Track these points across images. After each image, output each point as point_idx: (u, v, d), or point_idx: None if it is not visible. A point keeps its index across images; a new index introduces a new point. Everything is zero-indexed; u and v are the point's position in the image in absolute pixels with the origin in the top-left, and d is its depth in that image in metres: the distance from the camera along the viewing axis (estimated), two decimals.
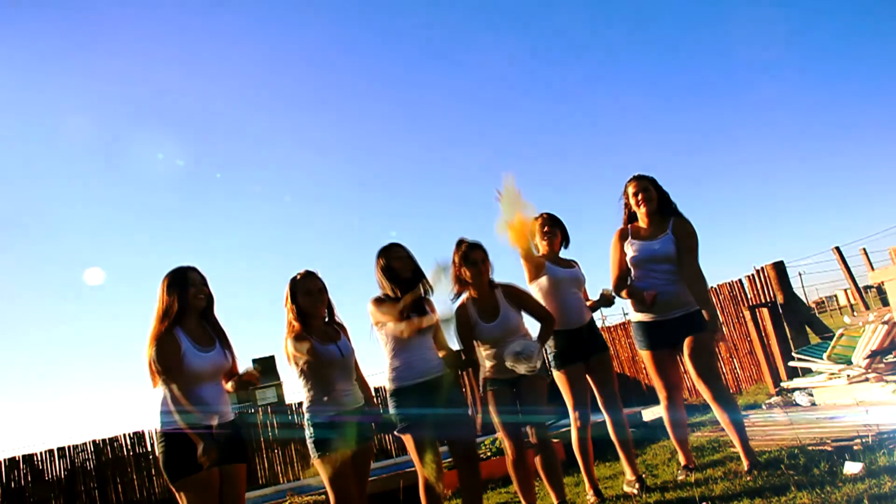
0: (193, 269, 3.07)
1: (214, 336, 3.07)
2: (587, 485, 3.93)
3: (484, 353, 3.71)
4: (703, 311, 3.72)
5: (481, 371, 3.72)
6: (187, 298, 2.97)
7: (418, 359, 3.43)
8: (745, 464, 3.60)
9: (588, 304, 4.08)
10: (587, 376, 3.95)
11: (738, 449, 3.67)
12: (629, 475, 3.92)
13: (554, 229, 4.08)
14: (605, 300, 4.02)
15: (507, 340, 3.59)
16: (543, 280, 3.93)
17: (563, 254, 4.17)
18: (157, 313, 2.95)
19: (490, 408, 3.64)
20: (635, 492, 3.79)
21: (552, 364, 3.96)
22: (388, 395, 3.48)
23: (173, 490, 2.79)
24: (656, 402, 8.73)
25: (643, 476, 4.00)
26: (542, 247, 4.08)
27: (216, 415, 2.91)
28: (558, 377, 3.91)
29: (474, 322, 3.65)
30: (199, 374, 2.89)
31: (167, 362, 2.83)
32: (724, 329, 8.68)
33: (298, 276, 3.37)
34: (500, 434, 3.64)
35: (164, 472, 2.80)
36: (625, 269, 3.94)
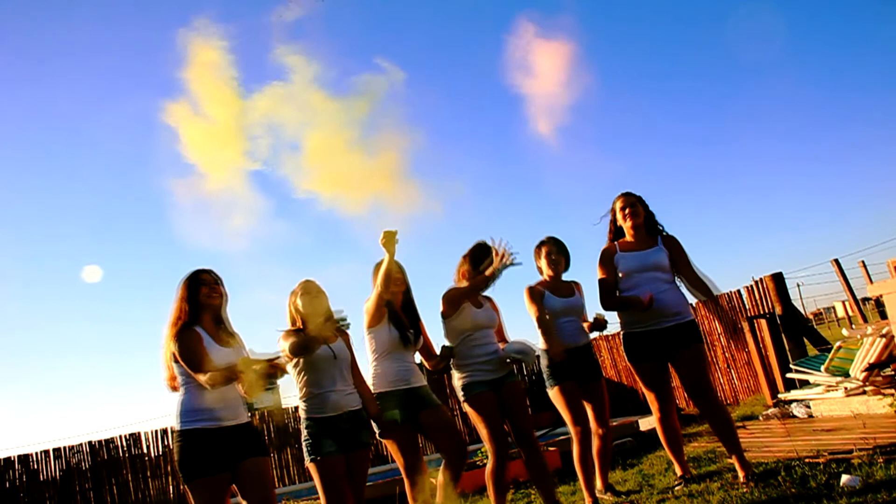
0: (206, 271, 3.15)
1: (229, 336, 3.12)
2: (586, 495, 3.97)
3: (463, 355, 3.73)
4: (707, 311, 3.84)
5: (457, 376, 3.77)
6: (199, 299, 3.04)
7: (402, 367, 3.59)
8: (740, 475, 3.63)
9: (585, 324, 4.15)
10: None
11: (734, 462, 3.71)
12: (599, 484, 4.11)
13: (559, 256, 4.16)
14: (599, 324, 4.10)
15: (486, 331, 3.78)
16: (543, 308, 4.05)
17: (566, 275, 4.25)
18: (173, 315, 3.02)
19: (474, 413, 3.66)
20: (609, 498, 4.03)
21: (546, 383, 4.06)
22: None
23: (186, 490, 2.84)
24: None
25: (615, 486, 4.23)
26: (546, 272, 4.16)
27: (226, 417, 2.91)
28: (554, 394, 4.00)
29: (465, 305, 3.76)
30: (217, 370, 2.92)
31: (191, 353, 2.87)
32: (721, 340, 8.69)
33: (300, 285, 3.53)
34: (485, 440, 3.65)
35: (178, 471, 2.85)
36: (612, 285, 3.98)
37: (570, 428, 3.97)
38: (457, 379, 3.77)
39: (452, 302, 3.74)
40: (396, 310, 3.65)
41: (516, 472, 5.81)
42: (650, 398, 3.96)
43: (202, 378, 2.79)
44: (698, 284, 3.93)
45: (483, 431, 3.63)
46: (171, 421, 2.94)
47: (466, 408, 3.71)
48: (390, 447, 3.59)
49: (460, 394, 3.72)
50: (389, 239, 3.36)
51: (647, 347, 3.86)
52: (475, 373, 3.70)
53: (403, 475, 3.50)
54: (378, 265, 3.65)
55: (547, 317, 4.03)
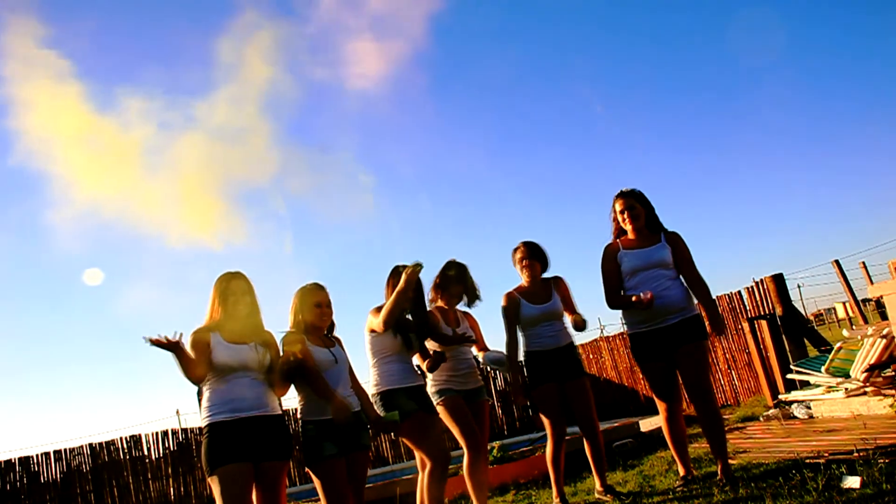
0: (238, 278, 3.18)
1: (253, 336, 3.17)
2: (554, 493, 4.16)
3: (442, 366, 3.90)
4: (704, 313, 3.95)
5: (432, 382, 3.94)
6: (228, 307, 3.11)
7: (407, 367, 3.75)
8: (719, 474, 3.74)
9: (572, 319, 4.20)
10: (568, 396, 4.11)
11: (718, 466, 3.77)
12: (598, 486, 4.14)
13: (532, 261, 4.20)
14: (577, 327, 4.15)
15: (461, 348, 3.99)
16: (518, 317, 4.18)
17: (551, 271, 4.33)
18: (207, 314, 3.14)
19: (446, 414, 3.82)
20: (610, 499, 4.03)
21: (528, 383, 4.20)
22: (378, 397, 3.66)
23: (209, 482, 2.88)
24: (654, 412, 8.65)
25: (615, 487, 4.23)
26: (523, 278, 4.24)
27: (248, 408, 2.96)
28: (534, 396, 4.14)
29: (442, 325, 4.01)
30: (227, 366, 2.99)
31: (192, 351, 3.00)
32: (722, 341, 8.69)
33: (311, 287, 3.50)
34: (459, 437, 3.79)
35: (203, 463, 2.91)
36: (616, 283, 3.99)
37: (546, 428, 4.13)
38: (431, 385, 3.95)
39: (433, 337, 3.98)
40: (402, 316, 3.74)
41: (517, 473, 5.81)
42: (657, 398, 3.96)
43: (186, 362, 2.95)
44: (697, 284, 3.91)
45: (455, 429, 3.80)
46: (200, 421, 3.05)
47: (439, 409, 3.86)
48: (408, 441, 3.70)
49: (434, 398, 3.90)
50: (411, 273, 3.45)
51: (654, 347, 3.86)
52: (449, 381, 3.92)
53: (428, 463, 3.56)
54: (394, 272, 3.78)
55: (518, 331, 4.20)
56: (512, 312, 4.17)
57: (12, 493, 9.86)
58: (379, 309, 3.68)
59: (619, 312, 4.14)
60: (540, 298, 4.15)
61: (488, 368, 4.11)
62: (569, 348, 4.16)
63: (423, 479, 3.60)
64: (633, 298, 3.79)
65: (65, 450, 10.28)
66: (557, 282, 4.26)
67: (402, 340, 3.70)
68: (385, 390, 3.63)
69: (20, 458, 10.04)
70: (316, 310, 3.44)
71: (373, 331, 3.69)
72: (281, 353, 3.30)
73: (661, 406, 3.95)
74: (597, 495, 4.13)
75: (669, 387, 3.91)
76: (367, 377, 3.78)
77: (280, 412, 3.14)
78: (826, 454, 3.87)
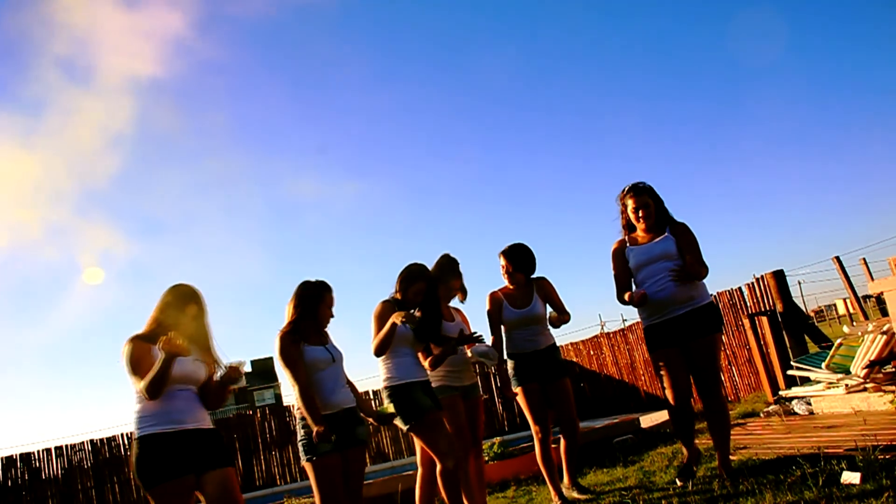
0: (187, 289, 3.01)
1: (195, 346, 2.99)
2: (552, 492, 4.20)
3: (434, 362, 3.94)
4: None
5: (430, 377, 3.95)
6: (173, 318, 2.92)
7: (417, 360, 3.79)
8: (719, 468, 3.77)
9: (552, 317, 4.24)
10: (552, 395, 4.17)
11: (717, 458, 3.81)
12: (567, 481, 4.27)
13: (514, 273, 4.22)
14: (551, 323, 4.22)
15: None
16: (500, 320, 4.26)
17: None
18: (147, 323, 2.93)
19: (445, 413, 3.81)
20: (575, 494, 4.18)
21: (511, 383, 4.26)
22: (393, 391, 3.64)
23: (148, 497, 2.72)
24: (654, 408, 8.68)
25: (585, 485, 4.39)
26: (507, 283, 4.30)
27: (186, 420, 2.82)
28: (518, 394, 4.22)
29: (445, 326, 4.02)
30: (173, 377, 2.77)
31: (135, 363, 2.79)
32: (722, 337, 8.68)
33: (323, 286, 3.47)
34: (453, 437, 3.78)
35: (137, 478, 2.73)
36: (627, 280, 3.99)
37: (531, 427, 4.18)
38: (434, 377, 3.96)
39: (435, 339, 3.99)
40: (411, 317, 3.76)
41: (517, 469, 5.83)
42: (667, 384, 3.92)
43: (140, 385, 2.73)
44: (693, 266, 3.74)
45: (448, 429, 3.78)
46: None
47: None
48: (420, 440, 3.68)
49: None
50: (409, 318, 3.47)
51: (665, 336, 3.85)
52: (445, 378, 3.95)
53: (438, 463, 3.55)
54: (407, 272, 3.80)
55: (504, 321, 4.23)
56: (495, 314, 4.24)
57: (14, 489, 9.88)
58: (386, 302, 3.73)
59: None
60: (520, 303, 4.19)
61: (476, 359, 4.09)
62: (549, 350, 4.19)
63: (439, 482, 3.57)
64: (626, 296, 3.81)
65: (66, 446, 10.30)
66: (541, 283, 4.26)
67: (413, 333, 3.71)
68: (402, 383, 3.62)
69: (21, 455, 10.06)
70: (327, 311, 3.46)
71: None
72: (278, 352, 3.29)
73: (670, 395, 3.92)
74: (564, 490, 4.24)
75: (678, 376, 3.86)
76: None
77: (213, 426, 2.96)
78: (826, 450, 3.87)
